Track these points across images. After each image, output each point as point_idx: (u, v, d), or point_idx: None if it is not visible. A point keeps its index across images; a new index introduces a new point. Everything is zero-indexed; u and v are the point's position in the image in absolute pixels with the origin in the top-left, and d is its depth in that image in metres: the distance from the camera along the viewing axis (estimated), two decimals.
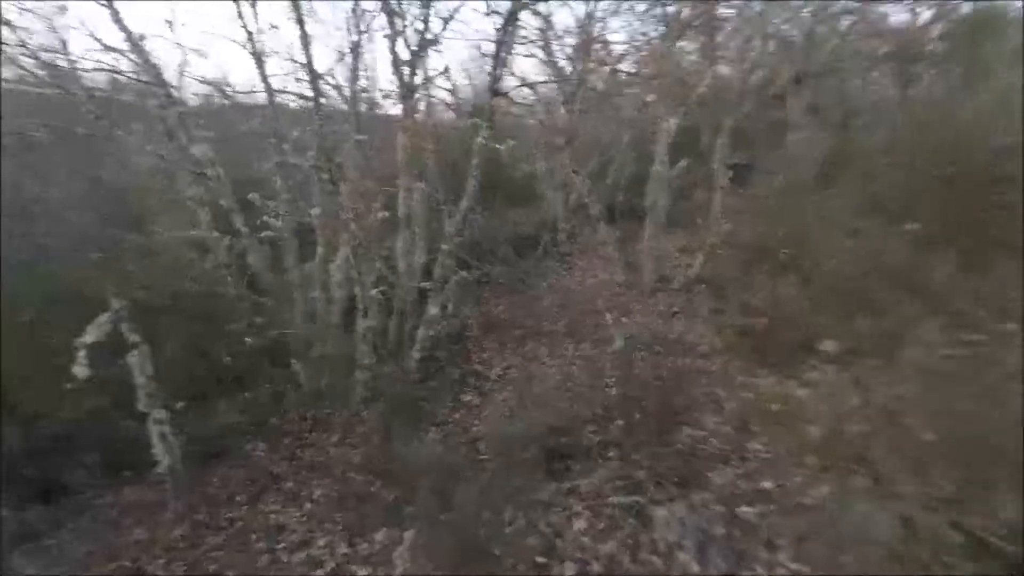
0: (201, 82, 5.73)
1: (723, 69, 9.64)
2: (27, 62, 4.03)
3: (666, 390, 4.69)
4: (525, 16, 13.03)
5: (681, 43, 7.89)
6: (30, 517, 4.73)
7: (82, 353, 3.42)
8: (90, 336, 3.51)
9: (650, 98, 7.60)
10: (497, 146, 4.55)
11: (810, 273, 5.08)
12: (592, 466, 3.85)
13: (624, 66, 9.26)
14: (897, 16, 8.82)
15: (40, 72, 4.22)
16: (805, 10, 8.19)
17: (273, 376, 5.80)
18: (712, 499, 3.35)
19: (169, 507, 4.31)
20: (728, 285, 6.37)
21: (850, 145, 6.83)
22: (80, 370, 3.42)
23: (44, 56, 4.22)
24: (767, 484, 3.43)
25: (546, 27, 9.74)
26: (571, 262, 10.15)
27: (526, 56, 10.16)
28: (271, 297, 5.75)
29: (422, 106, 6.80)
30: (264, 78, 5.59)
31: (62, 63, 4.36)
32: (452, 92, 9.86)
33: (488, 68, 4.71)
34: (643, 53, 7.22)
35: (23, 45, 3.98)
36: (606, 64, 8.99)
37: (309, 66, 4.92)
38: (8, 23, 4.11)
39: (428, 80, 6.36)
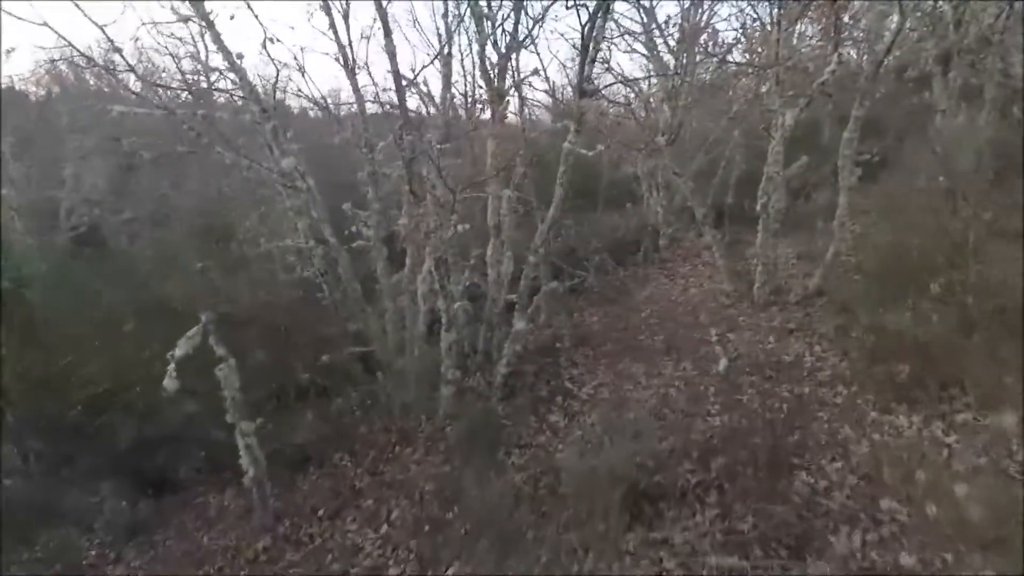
0: (296, 95, 5.88)
1: (850, 52, 8.56)
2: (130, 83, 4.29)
3: (779, 425, 4.08)
4: (623, 7, 12.46)
5: (800, 26, 7.04)
6: (142, 511, 5.07)
7: (171, 367, 3.49)
8: (180, 350, 3.60)
9: (764, 89, 6.82)
10: (585, 152, 4.18)
11: (967, 295, 4.20)
12: (687, 514, 3.38)
13: (734, 55, 8.49)
14: None
15: (142, 93, 4.49)
16: None
17: (361, 386, 5.82)
18: (834, 572, 2.77)
19: (255, 516, 4.39)
20: (857, 301, 5.51)
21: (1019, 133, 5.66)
22: (170, 383, 3.51)
23: (149, 78, 4.46)
24: (907, 558, 2.78)
25: (647, 18, 9.16)
26: (673, 270, 9.47)
27: (626, 52, 9.65)
28: (361, 307, 5.77)
29: (514, 109, 6.54)
30: (355, 88, 5.63)
31: (167, 84, 4.61)
32: (550, 93, 9.58)
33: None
34: (755, 39, 6.45)
35: (131, 70, 4.24)
36: (713, 55, 8.26)
37: (396, 74, 4.83)
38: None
39: (520, 82, 6.09)
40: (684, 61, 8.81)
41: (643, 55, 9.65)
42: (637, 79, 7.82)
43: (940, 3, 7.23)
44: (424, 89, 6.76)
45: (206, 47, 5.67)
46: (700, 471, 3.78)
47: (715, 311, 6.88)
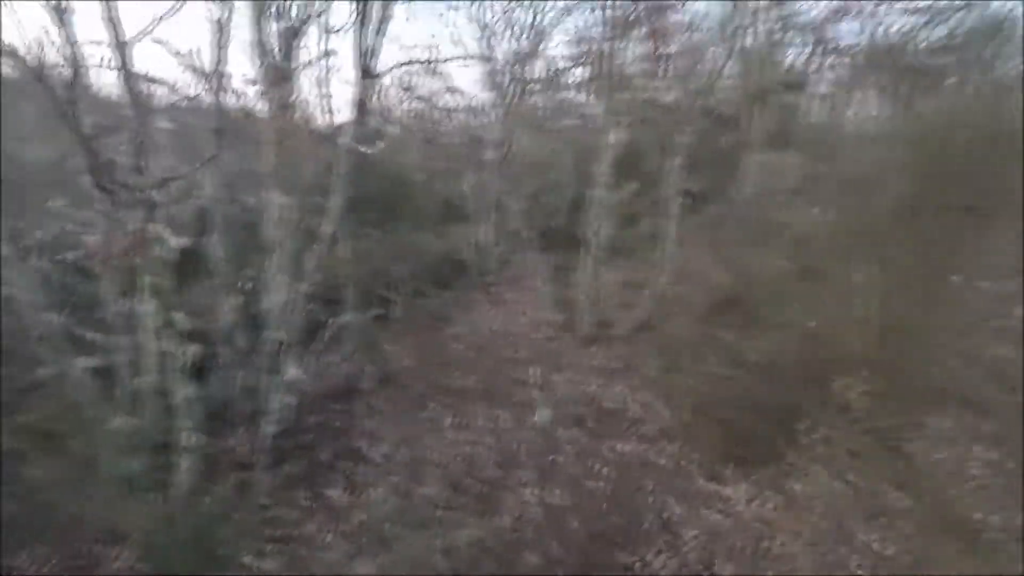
0: None
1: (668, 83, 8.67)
2: None
3: (600, 499, 3.33)
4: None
5: (629, 46, 6.79)
6: None
7: None
8: None
9: (595, 107, 6.38)
10: (363, 149, 3.15)
11: (787, 331, 3.87)
12: None
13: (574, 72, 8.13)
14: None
15: None
16: (763, 20, 7.23)
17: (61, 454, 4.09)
18: None
19: None
20: (681, 336, 5.12)
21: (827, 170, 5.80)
22: None
23: None
24: None
25: (482, 32, 8.52)
26: (499, 295, 8.78)
27: (463, 67, 8.88)
28: (58, 348, 4.06)
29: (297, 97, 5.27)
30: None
31: None
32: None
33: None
34: (585, 51, 5.99)
35: None
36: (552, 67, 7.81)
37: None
38: None
39: (309, 63, 4.87)
40: (519, 72, 8.26)
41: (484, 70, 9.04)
42: (441, 60, 6.92)
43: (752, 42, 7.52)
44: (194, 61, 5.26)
45: None
46: (504, 568, 2.86)
47: (538, 345, 6.21)
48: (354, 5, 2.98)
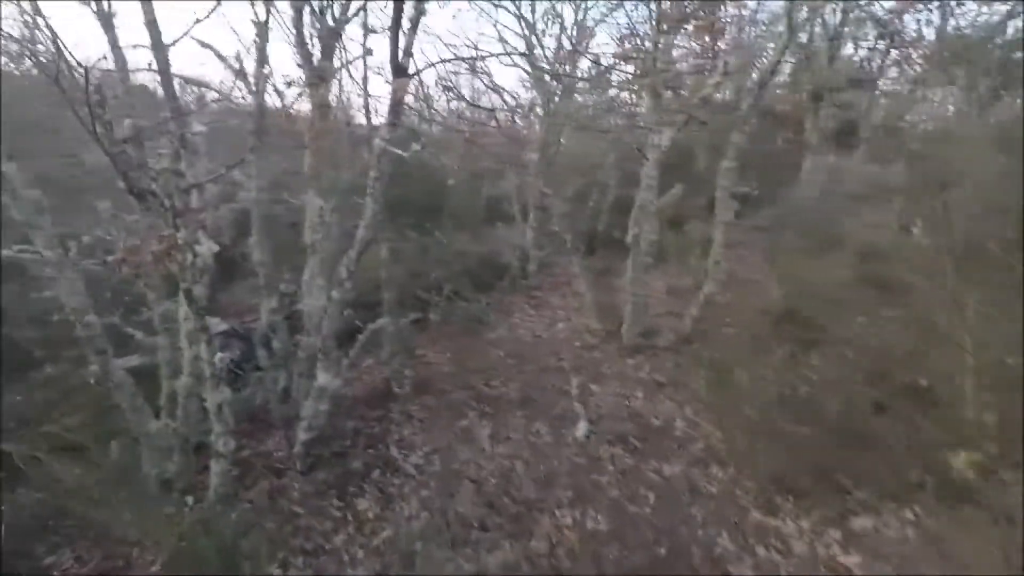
0: None
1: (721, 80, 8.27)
2: None
3: (643, 528, 3.10)
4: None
5: (679, 42, 6.48)
6: None
7: None
8: None
9: (641, 108, 6.09)
10: (400, 152, 3.01)
11: (857, 350, 3.53)
12: None
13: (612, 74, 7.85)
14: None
15: None
16: (826, 12, 6.76)
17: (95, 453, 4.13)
18: None
19: None
20: (733, 349, 4.81)
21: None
22: None
23: None
24: None
25: (528, 30, 8.32)
26: (542, 299, 8.58)
27: (508, 66, 8.72)
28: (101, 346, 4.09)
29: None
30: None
31: None
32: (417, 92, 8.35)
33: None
34: (628, 47, 5.71)
35: None
36: (599, 66, 7.55)
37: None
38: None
39: (349, 63, 4.81)
40: (566, 68, 8.04)
41: (524, 69, 8.84)
42: (477, 57, 6.76)
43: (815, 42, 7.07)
44: (234, 64, 5.28)
45: None
46: None
47: (580, 353, 5.98)
48: (388, 3, 2.84)
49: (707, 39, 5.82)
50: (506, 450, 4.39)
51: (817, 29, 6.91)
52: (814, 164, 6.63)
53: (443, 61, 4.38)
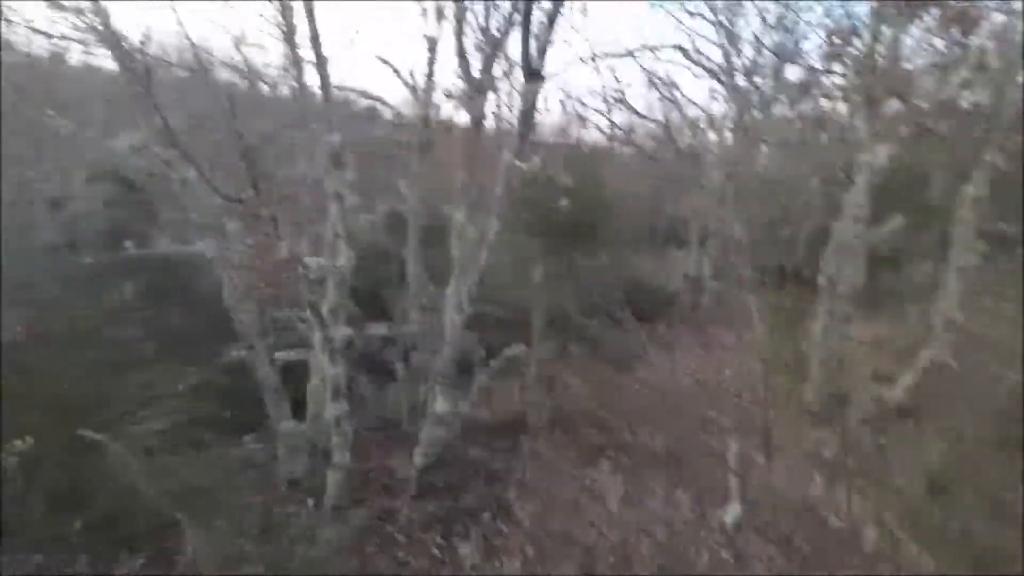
0: None
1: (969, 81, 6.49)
2: None
3: None
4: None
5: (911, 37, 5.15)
6: None
7: None
8: None
9: (855, 118, 4.93)
10: (522, 166, 2.62)
11: None
12: None
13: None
14: None
15: None
16: None
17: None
18: None
19: None
20: (965, 439, 3.58)
21: None
22: None
23: None
24: None
25: (728, 42, 7.51)
26: (713, 335, 7.59)
27: (698, 77, 7.95)
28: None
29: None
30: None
31: None
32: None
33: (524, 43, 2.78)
34: (847, 49, 4.61)
35: None
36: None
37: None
38: None
39: (507, 74, 4.58)
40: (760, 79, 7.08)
41: (720, 80, 8.01)
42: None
43: None
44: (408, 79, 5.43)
45: None
46: None
47: (747, 410, 5.01)
48: (517, 4, 2.47)
49: (956, 30, 4.51)
50: (635, 517, 3.73)
51: None
52: None
53: (595, 57, 3.88)
